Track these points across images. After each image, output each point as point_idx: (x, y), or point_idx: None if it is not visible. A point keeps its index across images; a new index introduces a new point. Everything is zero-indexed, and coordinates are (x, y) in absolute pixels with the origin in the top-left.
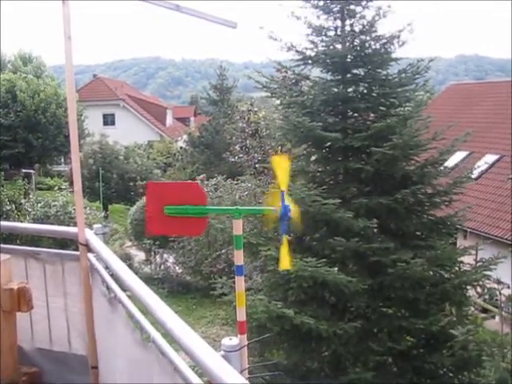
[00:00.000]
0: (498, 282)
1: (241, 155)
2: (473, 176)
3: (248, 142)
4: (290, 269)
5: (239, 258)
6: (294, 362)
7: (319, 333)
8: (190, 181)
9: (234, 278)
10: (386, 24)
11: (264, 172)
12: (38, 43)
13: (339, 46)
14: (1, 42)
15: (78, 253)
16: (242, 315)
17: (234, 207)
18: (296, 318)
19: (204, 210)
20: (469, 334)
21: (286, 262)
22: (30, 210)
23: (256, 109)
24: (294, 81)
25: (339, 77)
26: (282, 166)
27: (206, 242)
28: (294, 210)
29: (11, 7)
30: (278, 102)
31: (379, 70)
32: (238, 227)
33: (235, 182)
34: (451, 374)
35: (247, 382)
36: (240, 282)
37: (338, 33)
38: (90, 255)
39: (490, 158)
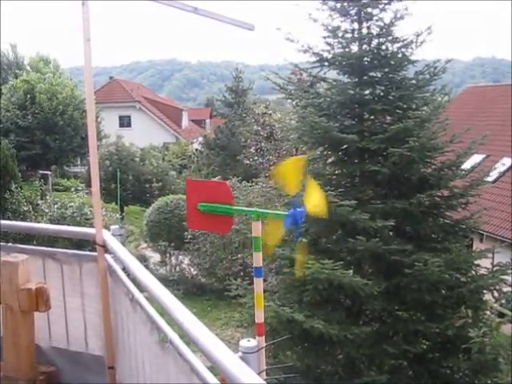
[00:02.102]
0: None
1: (256, 158)
2: (490, 179)
3: (263, 144)
4: (306, 271)
5: (258, 259)
6: (308, 364)
7: (331, 337)
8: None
9: (249, 279)
10: (403, 25)
11: None
12: (53, 45)
13: (356, 48)
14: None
15: (95, 254)
16: (260, 317)
17: (253, 209)
18: (306, 322)
19: (228, 209)
20: (485, 336)
21: (301, 268)
22: (46, 210)
23: (271, 111)
24: (309, 83)
25: (356, 79)
26: (291, 170)
27: (221, 244)
28: (318, 204)
29: (26, 8)
30: (295, 103)
31: (396, 72)
32: (256, 229)
33: (250, 185)
34: (467, 379)
35: (265, 383)
36: (258, 284)
37: (355, 35)
38: (108, 256)
39: (507, 161)
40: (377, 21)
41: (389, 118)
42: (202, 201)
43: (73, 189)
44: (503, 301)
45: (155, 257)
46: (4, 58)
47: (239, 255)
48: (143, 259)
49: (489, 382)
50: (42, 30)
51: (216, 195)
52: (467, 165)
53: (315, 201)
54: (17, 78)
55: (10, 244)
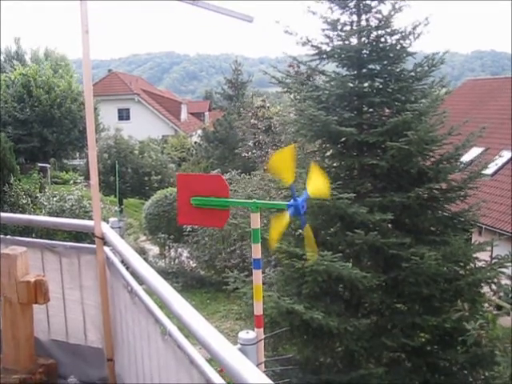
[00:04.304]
0: None
1: (254, 151)
2: (489, 172)
3: (261, 137)
4: (305, 263)
5: (257, 251)
6: (307, 356)
7: (330, 329)
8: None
9: (247, 272)
10: (402, 18)
11: None
12: (51, 38)
13: (355, 41)
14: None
15: (93, 246)
16: (259, 309)
17: (252, 200)
18: (306, 314)
19: (225, 202)
20: (482, 328)
21: (313, 254)
22: (45, 203)
23: (268, 104)
24: (306, 76)
25: (355, 72)
26: (282, 161)
27: (219, 236)
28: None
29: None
30: (293, 97)
31: (395, 65)
32: (255, 221)
33: (248, 177)
34: (465, 371)
35: (264, 375)
36: (257, 276)
37: (354, 27)
38: (106, 248)
39: (506, 154)
40: (376, 13)
41: (387, 110)
42: (195, 195)
43: (71, 182)
44: (501, 293)
45: (154, 249)
46: (6, 51)
47: (237, 245)
48: (142, 252)
49: (486, 374)
50: (46, 23)
51: (211, 188)
52: (466, 158)
53: (318, 184)
54: (15, 70)
55: (8, 236)
